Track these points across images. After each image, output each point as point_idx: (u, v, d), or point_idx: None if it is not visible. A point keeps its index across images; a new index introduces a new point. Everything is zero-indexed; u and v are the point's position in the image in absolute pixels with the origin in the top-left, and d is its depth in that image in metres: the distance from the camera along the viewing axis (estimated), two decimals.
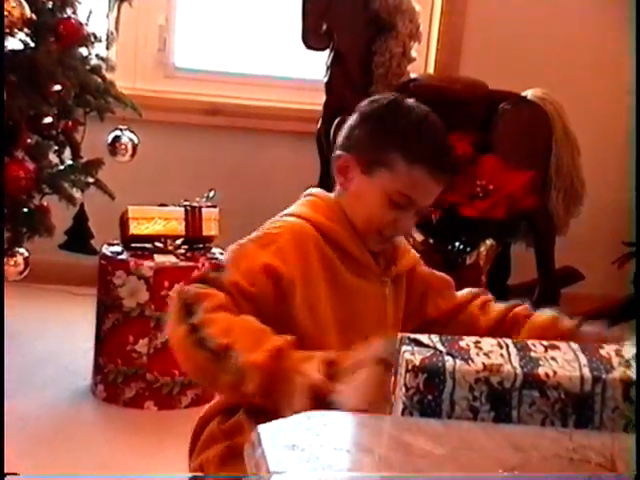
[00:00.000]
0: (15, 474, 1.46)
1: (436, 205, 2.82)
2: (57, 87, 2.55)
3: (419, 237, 2.95)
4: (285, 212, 1.51)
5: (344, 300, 1.45)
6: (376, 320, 1.48)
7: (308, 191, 1.55)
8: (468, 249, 2.92)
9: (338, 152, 1.49)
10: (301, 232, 1.44)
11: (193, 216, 2.75)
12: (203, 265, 1.30)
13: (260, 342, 1.26)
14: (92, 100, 2.72)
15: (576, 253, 3.44)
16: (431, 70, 3.64)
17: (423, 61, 3.61)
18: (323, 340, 1.39)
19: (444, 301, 1.59)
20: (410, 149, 1.42)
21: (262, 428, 0.91)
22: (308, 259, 1.42)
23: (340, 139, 1.50)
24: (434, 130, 1.46)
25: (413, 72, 3.19)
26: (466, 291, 1.62)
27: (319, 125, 3.14)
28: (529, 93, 3.18)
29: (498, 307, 1.59)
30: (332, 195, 1.52)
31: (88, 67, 2.73)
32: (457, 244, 2.91)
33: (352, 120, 1.50)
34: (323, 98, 3.12)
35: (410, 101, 1.50)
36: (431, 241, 2.93)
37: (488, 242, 2.96)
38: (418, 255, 1.62)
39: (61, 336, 3.01)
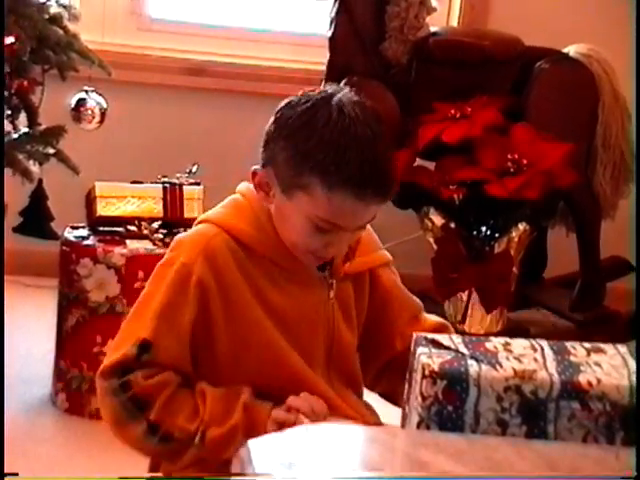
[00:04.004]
0: (15, 474, 1.52)
1: (459, 183, 2.83)
2: (10, 40, 2.54)
3: (438, 221, 2.96)
4: (204, 216, 1.56)
5: (279, 319, 1.50)
6: (319, 328, 1.53)
7: (239, 187, 1.58)
8: (497, 235, 2.92)
9: (255, 167, 1.51)
10: (214, 253, 1.48)
11: (172, 195, 2.75)
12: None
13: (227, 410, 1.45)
14: (52, 56, 2.71)
15: (625, 240, 3.44)
16: (455, 23, 3.63)
17: (445, 12, 3.60)
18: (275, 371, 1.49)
19: (406, 325, 1.59)
20: (327, 174, 1.41)
21: (253, 443, 0.92)
22: (229, 287, 1.48)
23: (261, 147, 1.50)
24: (358, 144, 1.41)
25: (433, 25, 3.18)
26: (433, 320, 1.64)
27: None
28: (572, 50, 3.18)
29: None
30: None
31: (47, 16, 2.72)
32: (483, 229, 2.91)
33: (269, 125, 1.49)
34: (326, 56, 3.12)
35: (335, 102, 1.44)
36: (452, 226, 2.93)
37: (520, 227, 2.96)
38: (390, 259, 1.63)
39: (15, 336, 3.01)
